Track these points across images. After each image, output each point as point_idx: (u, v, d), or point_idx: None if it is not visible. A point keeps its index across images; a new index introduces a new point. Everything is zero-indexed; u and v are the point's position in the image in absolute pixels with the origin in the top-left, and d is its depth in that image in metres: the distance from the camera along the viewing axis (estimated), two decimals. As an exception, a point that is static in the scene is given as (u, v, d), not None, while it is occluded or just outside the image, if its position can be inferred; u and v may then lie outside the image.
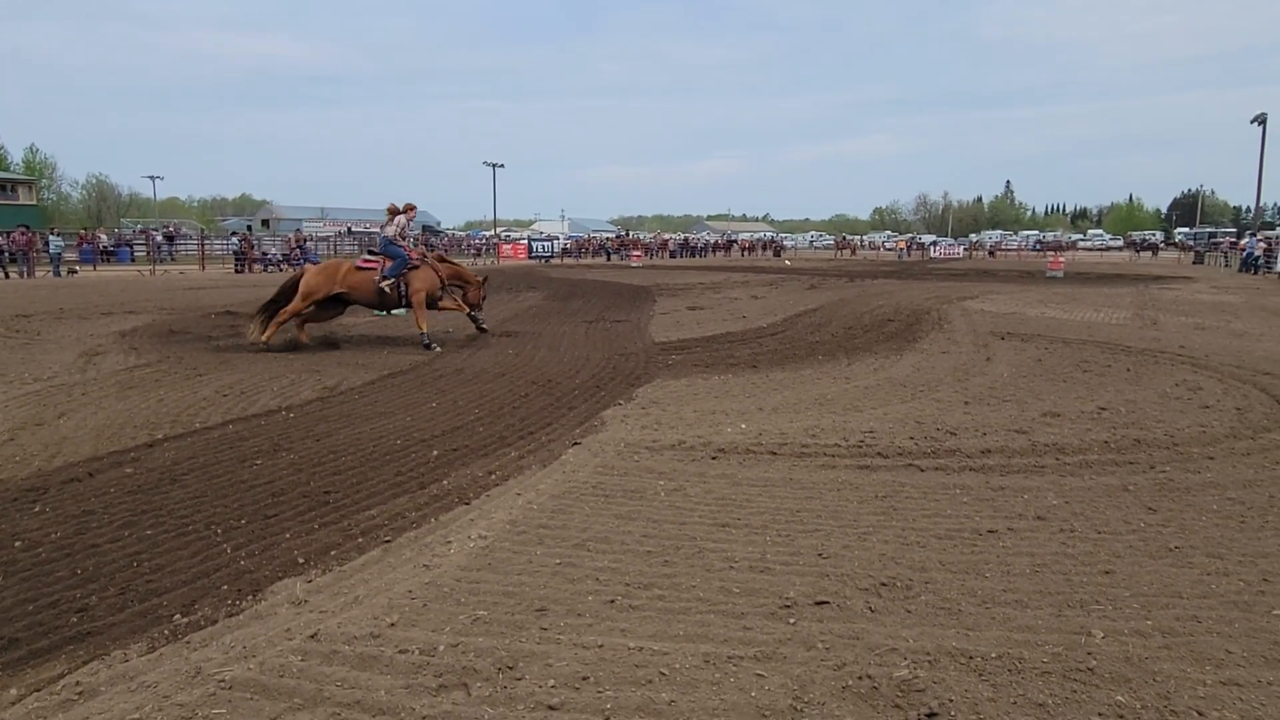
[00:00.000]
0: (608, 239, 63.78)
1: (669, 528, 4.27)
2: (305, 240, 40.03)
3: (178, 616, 3.39)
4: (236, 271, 31.56)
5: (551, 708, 2.65)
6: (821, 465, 5.42)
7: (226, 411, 7.01)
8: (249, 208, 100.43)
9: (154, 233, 45.04)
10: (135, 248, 40.10)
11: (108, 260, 36.23)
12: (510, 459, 5.62)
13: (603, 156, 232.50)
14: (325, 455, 5.64)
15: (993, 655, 2.95)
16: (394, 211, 11.57)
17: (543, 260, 47.35)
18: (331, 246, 46.68)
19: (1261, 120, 41.26)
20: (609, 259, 50.94)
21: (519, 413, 7.02)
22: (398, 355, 10.36)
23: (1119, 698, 2.69)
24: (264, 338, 10.73)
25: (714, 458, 5.58)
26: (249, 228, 68.59)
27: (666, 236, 69.85)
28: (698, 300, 19.17)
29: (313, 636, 3.13)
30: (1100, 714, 2.60)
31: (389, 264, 11.31)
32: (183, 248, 43.59)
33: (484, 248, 52.30)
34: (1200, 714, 2.60)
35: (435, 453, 5.73)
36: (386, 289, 11.24)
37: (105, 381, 8.30)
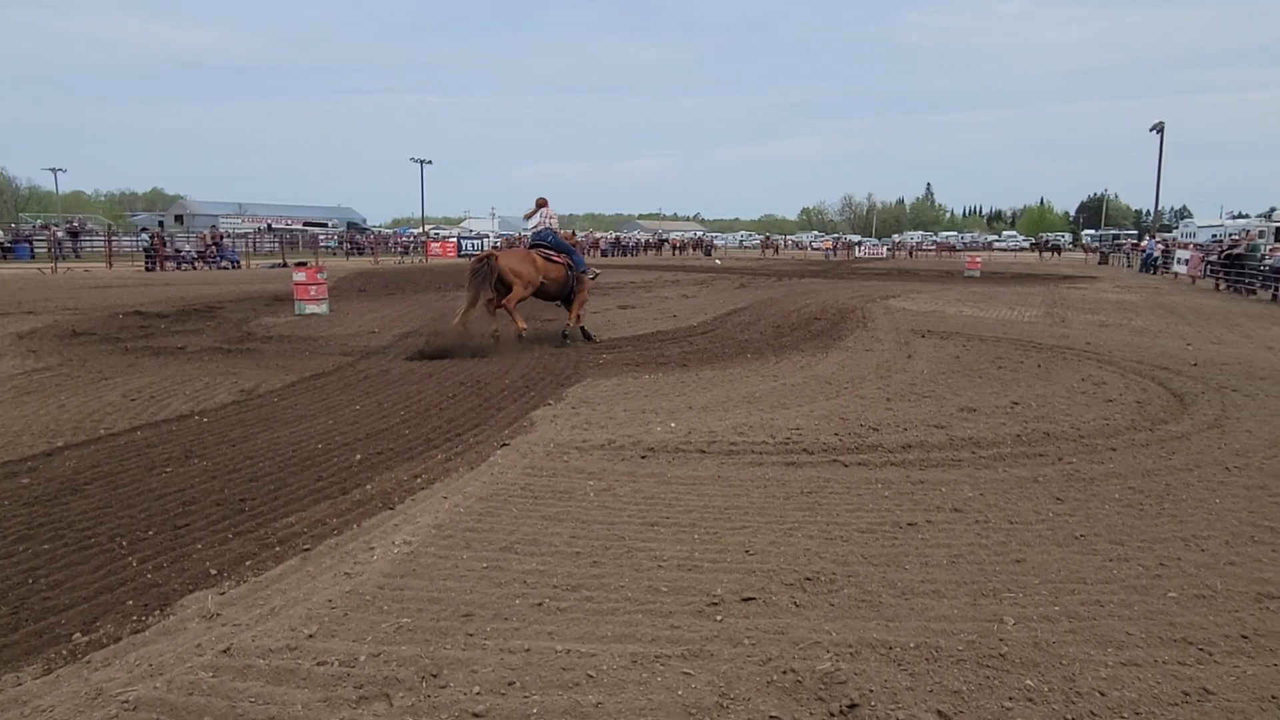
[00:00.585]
0: (539, 237, 63.06)
1: (598, 528, 4.25)
2: (222, 237, 38.47)
3: (77, 635, 3.22)
4: (147, 269, 30.07)
5: (476, 715, 2.61)
6: (749, 463, 5.48)
7: (134, 417, 6.68)
8: (161, 203, 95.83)
9: (56, 228, 42.57)
10: (35, 244, 37.79)
11: (4, 257, 34.09)
12: (437, 461, 5.52)
13: (534, 154, 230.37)
14: (241, 461, 5.43)
15: (911, 645, 3.04)
16: (542, 204, 11.63)
17: (473, 258, 46.54)
18: (250, 243, 45.01)
19: (1159, 129, 43.71)
20: (540, 258, 50.27)
21: (446, 414, 6.89)
22: (320, 357, 10.05)
23: (1028, 682, 2.80)
24: (521, 328, 10.68)
25: (643, 457, 5.59)
26: (160, 224, 65.59)
27: (598, 235, 69.66)
28: (629, 299, 19.18)
29: (225, 651, 3.00)
30: (1011, 698, 2.71)
31: (562, 256, 11.28)
32: (88, 244, 41.27)
33: (411, 245, 51.24)
34: (1102, 694, 2.73)
35: (358, 456, 5.58)
36: (588, 274, 11.54)
37: (0, 386, 7.82)
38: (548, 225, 11.57)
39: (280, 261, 35.50)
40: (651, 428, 6.39)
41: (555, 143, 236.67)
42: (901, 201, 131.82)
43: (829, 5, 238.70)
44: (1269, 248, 24.76)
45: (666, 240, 68.94)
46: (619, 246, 60.72)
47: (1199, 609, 3.35)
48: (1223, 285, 25.33)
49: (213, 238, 36.22)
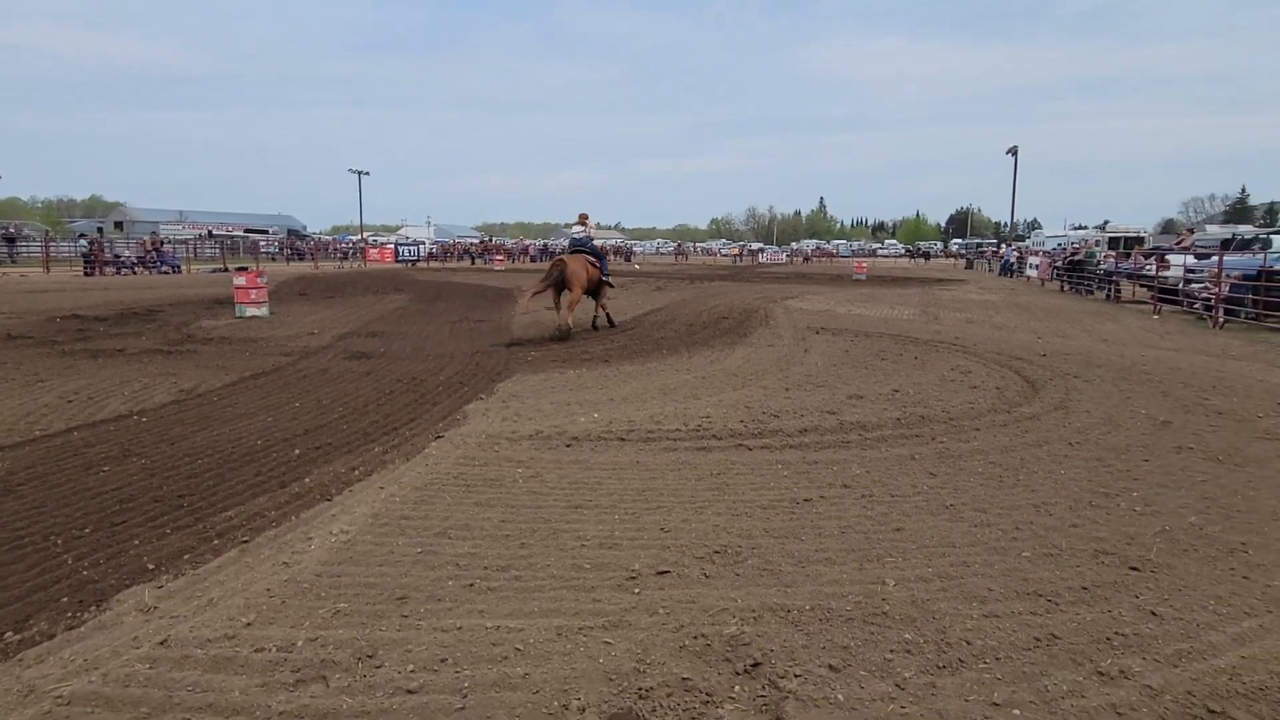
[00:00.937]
0: (472, 244, 62.08)
1: (526, 512, 4.19)
2: (162, 243, 36.27)
3: (9, 634, 2.96)
4: (85, 274, 28.08)
5: (410, 691, 2.53)
6: (664, 448, 5.51)
7: (71, 418, 6.22)
8: (100, 209, 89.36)
9: (-11, 234, 39.30)
10: (-32, 250, 34.83)
11: (-65, 262, 31.30)
12: (374, 454, 5.33)
13: (468, 166, 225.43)
14: (180, 459, 5.12)
15: (807, 608, 3.10)
16: (584, 220, 13.14)
17: (409, 264, 45.42)
18: (191, 249, 42.59)
19: (1013, 152, 46.08)
20: (473, 263, 49.58)
21: (383, 410, 6.67)
22: (260, 358, 9.59)
23: (907, 635, 2.90)
24: (568, 324, 11.72)
25: (568, 445, 5.54)
26: (100, 230, 61.28)
27: (528, 242, 68.79)
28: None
29: (162, 643, 2.83)
30: (892, 650, 2.80)
31: (598, 263, 12.78)
32: (25, 250, 38.23)
33: (351, 251, 49.52)
34: (968, 643, 2.85)
35: (297, 451, 5.34)
36: (610, 282, 13.15)
37: (-72, 390, 7.15)
38: (588, 235, 13.04)
39: (221, 266, 33.73)
40: (576, 419, 6.34)
41: (488, 155, 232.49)
42: (799, 213, 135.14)
43: (737, 39, 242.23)
44: (1103, 254, 26.46)
45: (590, 247, 68.47)
46: (547, 253, 60.15)
47: (1048, 566, 3.54)
48: (1066, 287, 26.92)
49: (153, 243, 34.13)
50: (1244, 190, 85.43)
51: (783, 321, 13.75)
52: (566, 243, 12.98)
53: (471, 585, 3.31)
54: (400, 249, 49.15)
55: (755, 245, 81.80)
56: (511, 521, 4.05)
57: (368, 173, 55.61)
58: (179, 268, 32.36)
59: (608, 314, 13.24)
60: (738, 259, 62.17)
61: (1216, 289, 15.05)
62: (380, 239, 65.31)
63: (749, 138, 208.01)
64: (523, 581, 3.35)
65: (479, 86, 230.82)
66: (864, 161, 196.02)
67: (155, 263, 31.37)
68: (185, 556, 3.66)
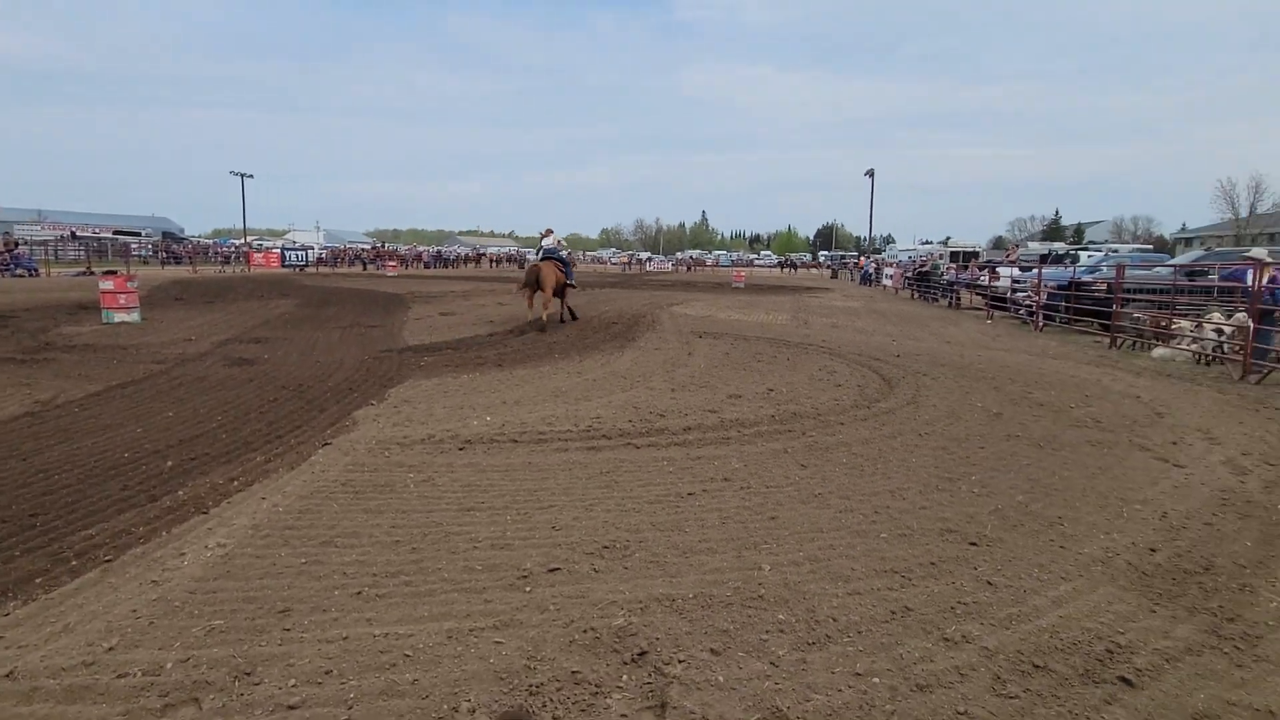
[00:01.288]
0: (364, 249, 59.35)
1: (417, 517, 4.01)
2: (17, 244, 32.34)
3: None
4: (-76, 277, 24.62)
5: (291, 707, 2.35)
6: (556, 449, 5.44)
7: (-100, 434, 5.40)
8: (-56, 207, 78.70)
9: None
10: None
11: None
12: (256, 464, 4.95)
13: (360, 173, 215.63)
14: (32, 475, 4.55)
15: (690, 596, 3.13)
16: (549, 233, 14.81)
17: (297, 269, 42.75)
18: (51, 251, 38.27)
19: (870, 174, 49.14)
20: (365, 268, 47.33)
21: (267, 417, 6.22)
22: (129, 366, 8.72)
23: (780, 616, 2.99)
24: (543, 318, 13.28)
25: (461, 449, 5.37)
26: (-57, 229, 53.86)
27: (421, 249, 66.53)
28: (450, 306, 18.47)
29: (8, 676, 2.49)
30: (768, 631, 2.87)
31: (563, 269, 14.33)
32: None
33: (233, 255, 46.04)
34: (835, 620, 2.97)
35: (170, 464, 4.88)
36: (573, 284, 14.96)
37: None
38: (555, 245, 14.65)
39: (86, 269, 30.47)
40: (469, 422, 6.16)
41: (380, 163, 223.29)
42: (683, 225, 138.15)
43: (624, 60, 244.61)
44: (946, 267, 28.60)
45: (484, 254, 67.33)
46: (440, 259, 58.39)
47: (902, 545, 3.75)
48: (916, 295, 28.91)
49: (5, 244, 30.39)
50: (1057, 212, 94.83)
51: (669, 326, 13.96)
52: (539, 253, 14.89)
53: (359, 593, 3.12)
54: (287, 253, 46.13)
55: (643, 254, 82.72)
56: (402, 527, 3.87)
57: (251, 175, 52.01)
58: (36, 270, 28.99)
59: (570, 308, 15.15)
60: (627, 267, 62.68)
61: (1037, 297, 16.61)
62: (266, 243, 61.11)
63: (636, 154, 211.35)
64: (413, 586, 3.20)
65: (367, 94, 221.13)
66: (742, 178, 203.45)
67: (8, 265, 27.94)
68: (37, 580, 3.25)
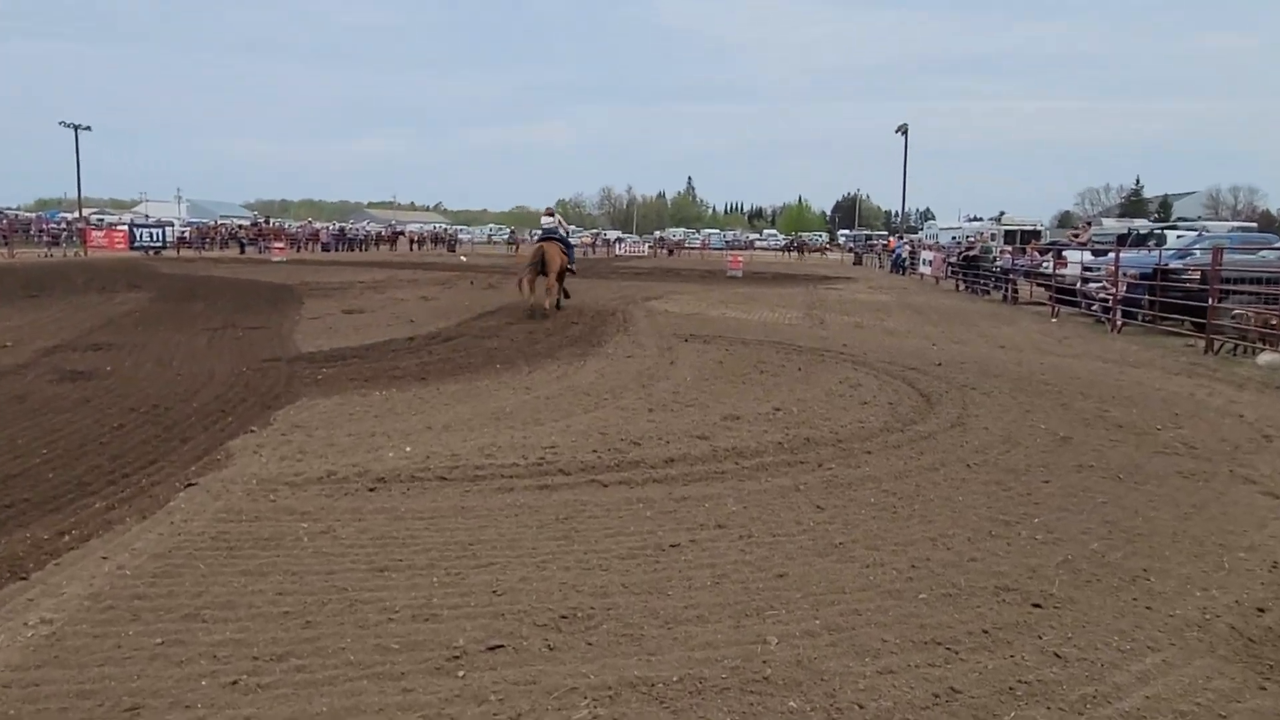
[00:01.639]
0: (241, 226, 58.74)
1: (313, 580, 3.97)
2: None
3: None
4: None
5: (144, 837, 2.30)
6: (498, 488, 5.42)
7: None
8: None
9: None
10: None
11: None
12: (94, 512, 4.85)
13: (234, 127, 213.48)
14: None
15: (674, 679, 3.14)
16: (551, 213, 17.45)
17: (151, 251, 42.20)
18: None
19: (904, 130, 49.93)
20: (243, 251, 46.98)
21: (110, 450, 6.11)
22: (-76, 380, 8.51)
23: (791, 703, 3.00)
24: (545, 304, 15.30)
25: (371, 489, 5.33)
26: None
27: (318, 226, 66.01)
28: (356, 302, 18.37)
29: None
30: (775, 724, 2.89)
31: (567, 250, 16.62)
32: None
33: (64, 234, 45.26)
34: (861, 707, 2.99)
35: (-22, 512, 4.77)
36: (574, 269, 17.43)
37: None
38: (557, 225, 16.77)
39: None
40: (382, 454, 6.12)
41: (260, 114, 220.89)
42: (663, 195, 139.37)
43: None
44: (999, 249, 29.15)
45: (402, 233, 67.09)
46: (344, 240, 57.92)
47: (946, 608, 3.80)
48: (962, 286, 29.38)
49: None
50: (1138, 181, 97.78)
51: (644, 327, 14.02)
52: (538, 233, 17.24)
53: (235, 683, 3.07)
54: (138, 231, 45.47)
55: (612, 233, 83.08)
56: (292, 593, 3.82)
57: (88, 127, 51.25)
58: None
59: (564, 290, 17.05)
60: (589, 249, 62.87)
61: (1114, 289, 16.99)
62: (109, 218, 60.14)
63: (601, 104, 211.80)
64: (307, 672, 3.16)
65: (245, 23, 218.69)
66: (739, 137, 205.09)
67: None
68: None
